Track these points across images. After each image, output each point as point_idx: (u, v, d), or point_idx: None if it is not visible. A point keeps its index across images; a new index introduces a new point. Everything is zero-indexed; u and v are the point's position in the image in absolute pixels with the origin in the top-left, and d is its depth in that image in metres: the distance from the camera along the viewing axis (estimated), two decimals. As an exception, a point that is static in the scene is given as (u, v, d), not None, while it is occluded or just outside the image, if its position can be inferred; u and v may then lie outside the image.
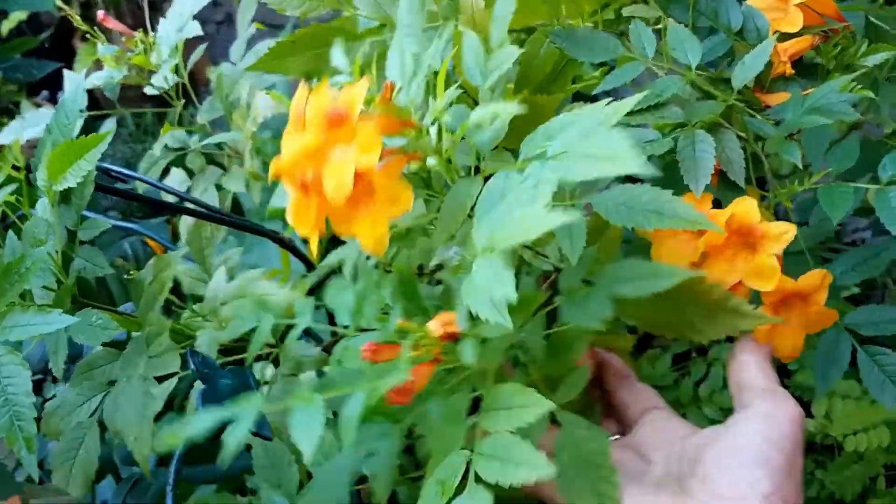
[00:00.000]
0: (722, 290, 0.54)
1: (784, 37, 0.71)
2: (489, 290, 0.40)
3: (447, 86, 0.50)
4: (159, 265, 0.67)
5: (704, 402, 0.88)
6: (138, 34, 0.91)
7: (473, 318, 0.44)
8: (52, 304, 0.62)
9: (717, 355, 0.91)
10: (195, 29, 0.88)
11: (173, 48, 0.90)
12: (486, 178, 0.49)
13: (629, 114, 0.60)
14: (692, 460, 0.48)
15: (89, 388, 0.66)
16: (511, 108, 0.46)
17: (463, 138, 0.51)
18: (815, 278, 0.55)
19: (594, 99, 0.68)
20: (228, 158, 0.97)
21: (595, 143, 0.40)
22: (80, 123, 0.62)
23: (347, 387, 0.42)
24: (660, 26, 0.68)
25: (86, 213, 0.86)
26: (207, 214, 0.73)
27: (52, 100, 1.93)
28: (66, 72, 0.93)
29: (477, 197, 0.48)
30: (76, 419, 0.65)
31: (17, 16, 2.12)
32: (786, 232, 0.53)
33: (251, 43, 0.99)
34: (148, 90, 0.96)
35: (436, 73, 0.50)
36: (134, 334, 0.67)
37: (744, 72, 0.62)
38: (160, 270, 0.66)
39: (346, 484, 0.54)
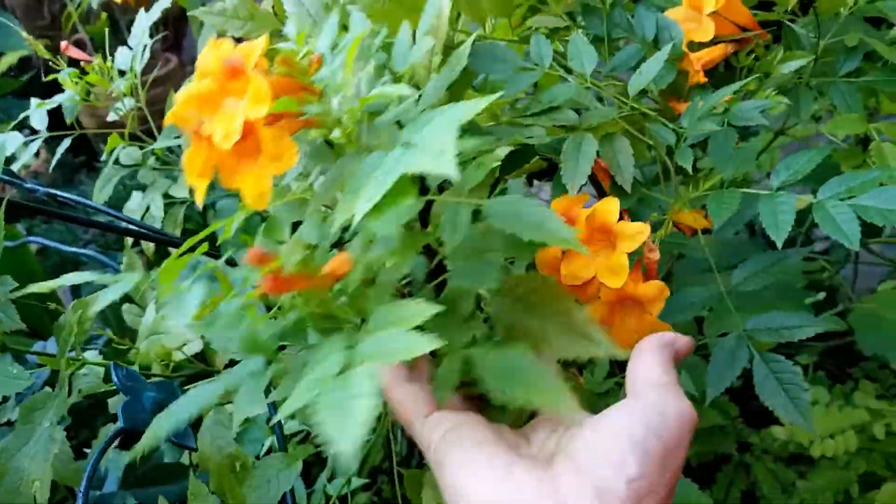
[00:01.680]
0: (584, 315, 0.55)
1: (699, 46, 0.73)
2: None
3: (381, 74, 0.51)
4: (77, 308, 0.67)
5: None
6: (96, 59, 0.95)
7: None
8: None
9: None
10: (146, 54, 0.91)
11: (129, 70, 0.94)
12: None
13: (530, 115, 0.62)
14: (567, 439, 0.46)
15: (29, 430, 0.66)
16: (404, 90, 0.46)
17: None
18: (652, 289, 0.56)
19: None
20: (180, 171, 1.00)
21: (434, 138, 0.41)
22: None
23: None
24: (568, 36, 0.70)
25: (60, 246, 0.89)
26: (137, 232, 0.75)
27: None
28: (33, 100, 0.98)
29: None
30: (16, 463, 0.65)
31: (8, 60, 2.21)
32: (639, 232, 0.55)
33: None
34: (111, 116, 1.00)
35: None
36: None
37: (638, 79, 0.63)
38: (76, 315, 0.66)
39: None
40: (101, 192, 0.98)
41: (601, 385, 0.94)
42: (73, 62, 0.99)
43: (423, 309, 0.42)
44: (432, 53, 0.60)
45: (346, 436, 0.34)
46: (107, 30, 1.00)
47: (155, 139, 1.04)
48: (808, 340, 0.63)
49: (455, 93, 0.69)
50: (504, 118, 0.63)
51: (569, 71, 0.66)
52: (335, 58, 0.53)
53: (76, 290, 1.33)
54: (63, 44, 0.99)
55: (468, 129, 0.62)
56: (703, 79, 0.72)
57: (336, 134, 0.48)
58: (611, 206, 0.57)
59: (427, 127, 0.43)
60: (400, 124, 0.48)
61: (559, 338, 0.53)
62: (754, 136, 1.07)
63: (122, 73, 0.95)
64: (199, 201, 0.48)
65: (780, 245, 0.57)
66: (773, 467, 1.68)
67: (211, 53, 0.46)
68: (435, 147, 0.40)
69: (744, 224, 0.76)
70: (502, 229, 0.47)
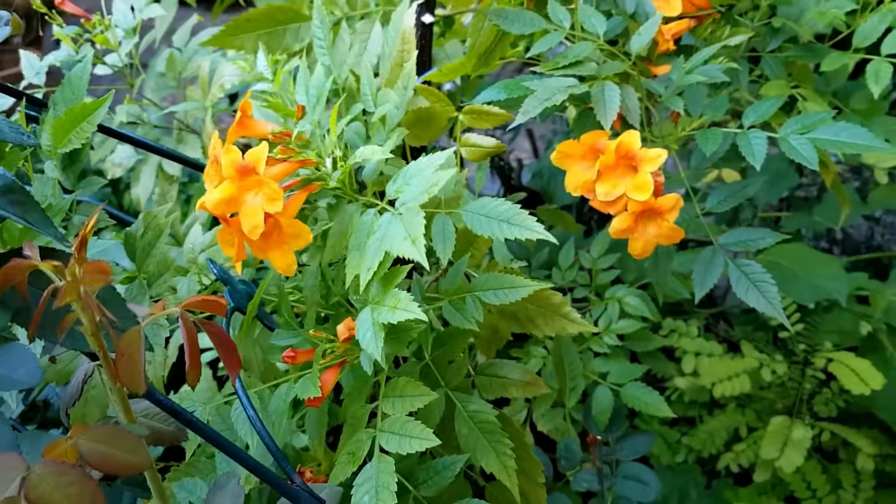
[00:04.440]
0: (559, 298, 0.68)
1: (667, 21, 0.88)
2: (367, 342, 0.55)
3: (349, 105, 0.62)
4: (148, 218, 0.72)
5: (604, 334, 1.03)
6: (95, 17, 0.99)
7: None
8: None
9: (612, 296, 1.07)
10: (156, 10, 0.96)
11: (130, 29, 0.98)
12: (366, 205, 0.61)
13: (561, 67, 0.75)
14: None
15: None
16: (379, 154, 0.57)
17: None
18: (671, 200, 0.70)
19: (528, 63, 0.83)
20: (178, 132, 1.05)
21: (409, 220, 0.54)
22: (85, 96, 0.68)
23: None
24: (572, 6, 0.83)
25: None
26: (180, 159, 0.82)
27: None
28: (22, 52, 1.00)
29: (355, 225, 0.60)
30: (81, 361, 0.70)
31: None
32: (660, 155, 0.68)
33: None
34: (99, 69, 1.03)
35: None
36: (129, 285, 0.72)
37: (638, 40, 0.78)
38: (151, 221, 0.72)
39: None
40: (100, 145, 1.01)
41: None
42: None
43: (427, 393, 0.59)
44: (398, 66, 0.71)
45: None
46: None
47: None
48: (696, 307, 0.79)
49: (494, 52, 0.82)
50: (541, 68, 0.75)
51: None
52: (314, 109, 0.65)
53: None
54: (56, -2, 1.01)
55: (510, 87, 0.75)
56: (672, 46, 0.88)
57: (333, 183, 0.61)
58: (634, 137, 0.70)
59: (412, 184, 0.55)
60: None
61: (542, 318, 0.68)
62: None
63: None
64: (239, 271, 0.61)
65: (758, 167, 0.73)
66: (659, 429, 1.89)
67: (226, 159, 0.57)
68: (410, 229, 0.53)
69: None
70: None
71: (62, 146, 0.63)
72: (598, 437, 0.91)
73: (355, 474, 0.57)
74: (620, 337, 1.03)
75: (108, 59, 1.02)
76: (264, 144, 0.56)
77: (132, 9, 0.98)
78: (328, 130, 0.60)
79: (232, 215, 0.57)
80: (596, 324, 1.06)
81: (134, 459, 0.41)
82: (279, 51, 0.96)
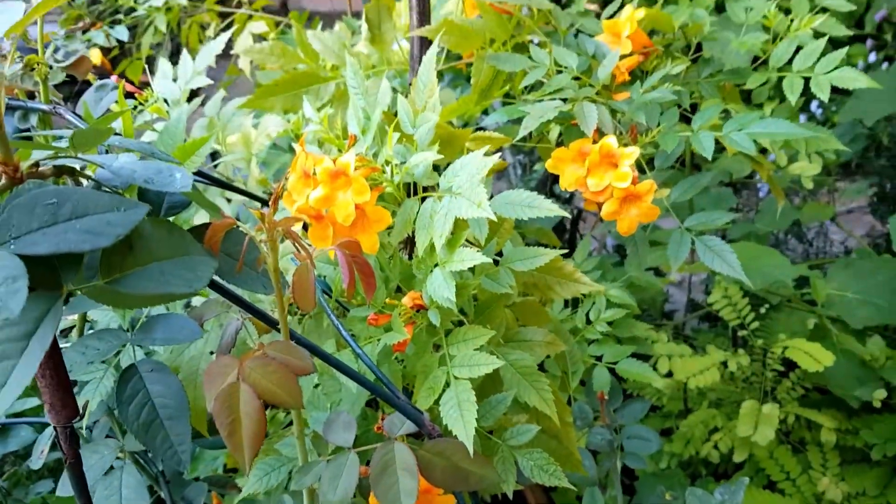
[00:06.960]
0: (571, 266, 0.87)
1: (621, 58, 1.10)
2: (441, 291, 0.72)
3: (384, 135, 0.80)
4: None
5: (596, 323, 1.21)
6: (146, 91, 1.17)
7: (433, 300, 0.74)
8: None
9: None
10: (201, 80, 1.15)
11: (175, 100, 1.16)
12: (422, 198, 0.77)
13: (548, 94, 0.95)
14: None
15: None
16: (431, 156, 0.76)
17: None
18: (646, 185, 0.90)
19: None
20: (221, 183, 1.22)
21: (471, 192, 0.71)
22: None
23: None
24: (548, 50, 1.04)
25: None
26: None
27: None
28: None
29: (417, 212, 0.77)
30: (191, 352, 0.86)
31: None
32: (633, 152, 0.88)
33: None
34: (151, 136, 1.20)
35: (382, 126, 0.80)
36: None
37: (602, 71, 0.99)
38: None
39: (366, 395, 0.82)
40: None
41: (560, 314, 1.27)
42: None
43: (486, 333, 0.75)
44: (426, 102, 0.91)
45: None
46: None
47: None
48: (663, 319, 0.97)
49: (492, 87, 1.02)
50: (529, 97, 0.95)
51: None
52: (365, 137, 0.84)
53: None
54: (114, 77, 1.18)
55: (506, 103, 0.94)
56: (627, 77, 1.09)
57: (389, 189, 0.80)
58: (612, 140, 0.90)
59: (461, 174, 0.73)
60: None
61: (558, 285, 0.86)
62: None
63: (165, 100, 1.18)
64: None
65: (709, 157, 0.93)
66: (641, 442, 2.06)
67: (321, 167, 0.74)
68: (474, 198, 0.70)
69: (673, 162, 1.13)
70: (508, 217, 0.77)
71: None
72: (605, 397, 1.08)
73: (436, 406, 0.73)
74: (609, 325, 1.22)
75: (158, 126, 1.19)
76: (352, 152, 0.73)
77: (174, 80, 1.16)
78: (383, 144, 0.79)
79: (323, 213, 0.74)
80: (587, 317, 1.24)
81: (303, 364, 0.57)
82: (302, 112, 1.15)
